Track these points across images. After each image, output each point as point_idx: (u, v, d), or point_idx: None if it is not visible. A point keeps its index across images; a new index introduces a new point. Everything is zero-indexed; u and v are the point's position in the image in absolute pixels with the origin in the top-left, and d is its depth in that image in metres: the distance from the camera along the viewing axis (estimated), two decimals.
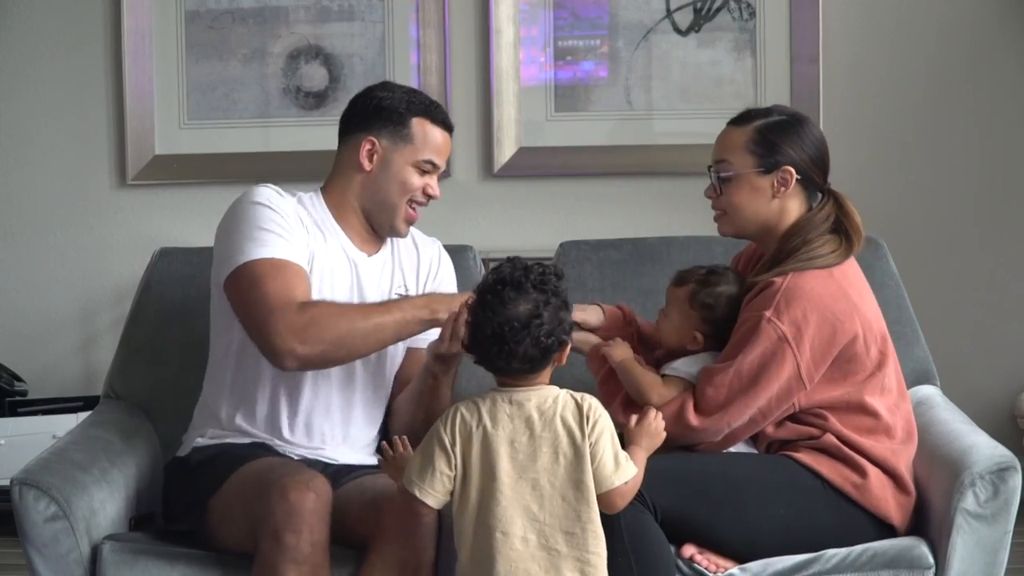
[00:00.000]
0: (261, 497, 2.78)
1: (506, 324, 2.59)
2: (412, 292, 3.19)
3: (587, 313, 3.14)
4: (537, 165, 4.82)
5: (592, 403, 2.65)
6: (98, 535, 2.97)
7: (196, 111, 4.83)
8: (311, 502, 2.75)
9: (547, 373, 2.67)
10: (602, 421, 2.64)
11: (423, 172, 3.10)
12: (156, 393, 3.41)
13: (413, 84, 4.72)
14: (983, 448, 2.98)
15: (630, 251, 3.47)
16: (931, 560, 2.92)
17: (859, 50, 4.78)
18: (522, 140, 4.81)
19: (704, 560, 2.90)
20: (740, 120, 3.06)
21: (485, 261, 3.73)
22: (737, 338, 2.94)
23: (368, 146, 3.09)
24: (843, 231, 3.02)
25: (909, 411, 3.07)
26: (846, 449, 2.95)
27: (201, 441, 3.10)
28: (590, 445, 2.62)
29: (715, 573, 2.89)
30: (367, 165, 3.09)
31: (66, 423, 4.41)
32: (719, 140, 3.07)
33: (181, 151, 4.83)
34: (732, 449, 2.99)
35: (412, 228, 3.23)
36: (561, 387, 2.68)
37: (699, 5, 4.77)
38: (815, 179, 3.04)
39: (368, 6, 4.80)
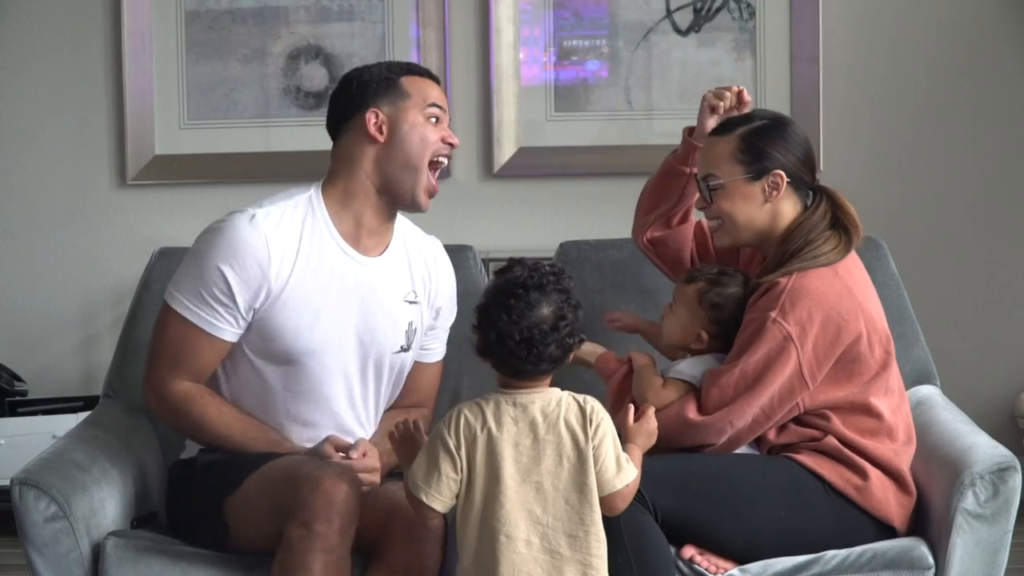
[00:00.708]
0: (291, 488, 2.78)
1: (535, 328, 2.59)
2: (420, 301, 3.16)
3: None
4: (537, 165, 4.82)
5: (594, 405, 2.65)
6: (98, 535, 2.97)
7: (196, 111, 4.83)
8: (343, 493, 2.75)
9: (551, 375, 2.67)
10: (604, 423, 2.64)
11: (435, 121, 3.07)
12: None
13: None
14: (983, 448, 2.98)
15: (630, 251, 3.47)
16: (931, 560, 2.92)
17: (859, 50, 4.78)
18: (522, 140, 4.81)
19: (704, 561, 2.89)
20: (722, 130, 3.06)
21: (485, 261, 3.72)
22: (743, 339, 2.94)
23: (373, 118, 3.03)
24: (841, 226, 3.02)
25: (909, 413, 3.07)
26: (847, 451, 2.95)
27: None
28: (593, 448, 2.62)
29: (715, 574, 2.89)
30: (379, 136, 3.03)
31: (66, 423, 4.40)
32: (704, 153, 3.07)
33: (181, 151, 4.83)
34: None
35: (414, 227, 3.21)
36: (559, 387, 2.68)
37: (699, 5, 4.77)
38: (804, 179, 3.04)
39: (368, 6, 4.80)
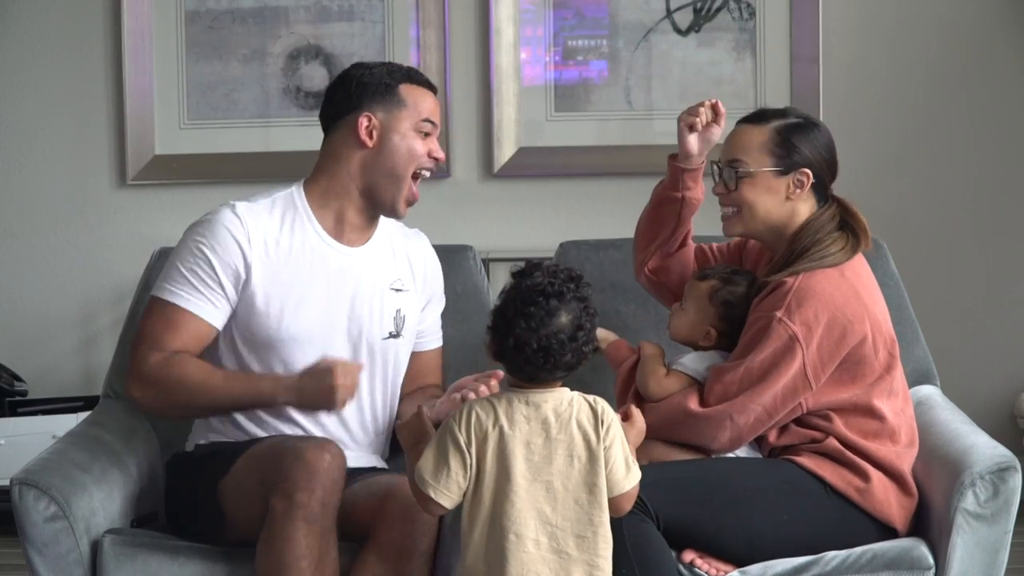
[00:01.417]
0: (275, 462, 2.79)
1: (553, 337, 2.58)
2: (409, 289, 3.18)
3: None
4: (537, 165, 4.82)
5: (605, 407, 2.65)
6: (98, 535, 2.97)
7: (196, 111, 4.83)
8: (326, 462, 2.76)
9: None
10: (615, 425, 2.64)
11: (424, 135, 3.09)
12: None
13: None
14: (983, 448, 2.98)
15: (630, 251, 3.46)
16: (931, 561, 2.92)
17: (859, 50, 4.78)
18: (522, 140, 4.81)
19: (705, 564, 2.89)
20: (756, 119, 3.05)
21: (485, 261, 3.73)
22: (748, 338, 2.94)
23: (366, 122, 3.05)
24: (849, 228, 3.02)
25: (912, 416, 3.07)
26: (849, 453, 2.95)
27: (203, 440, 3.10)
28: (604, 449, 2.61)
29: None
30: (369, 141, 3.06)
31: (66, 423, 4.41)
32: (733, 138, 3.05)
33: (181, 151, 4.83)
34: (734, 454, 2.99)
35: (396, 223, 3.22)
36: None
37: (699, 5, 4.77)
38: (825, 183, 3.04)
39: (368, 6, 4.80)
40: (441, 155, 3.12)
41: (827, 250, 2.98)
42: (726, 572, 2.90)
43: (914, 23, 4.77)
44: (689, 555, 2.90)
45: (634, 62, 4.79)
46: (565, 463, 2.61)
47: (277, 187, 3.15)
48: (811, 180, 3.01)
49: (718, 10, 4.77)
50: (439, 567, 2.86)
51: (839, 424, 2.96)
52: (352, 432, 3.11)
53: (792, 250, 2.99)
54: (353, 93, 3.07)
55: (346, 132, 3.08)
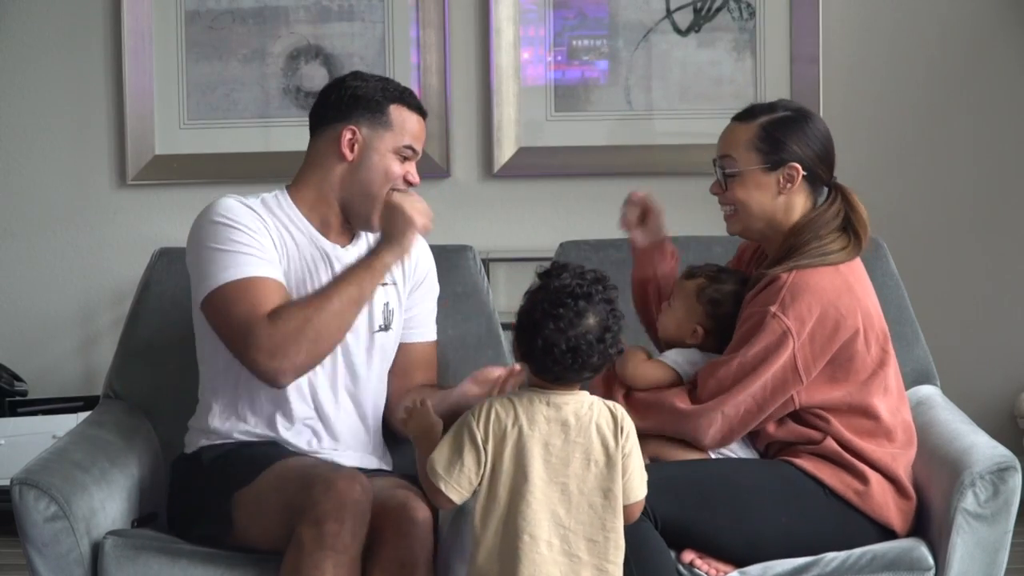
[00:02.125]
0: (304, 489, 2.78)
1: (582, 339, 2.59)
2: (399, 282, 3.19)
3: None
4: (537, 165, 4.82)
5: (624, 413, 2.66)
6: (98, 535, 2.97)
7: (196, 111, 4.83)
8: (357, 494, 2.75)
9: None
10: (634, 432, 2.65)
11: (403, 159, 3.10)
12: (156, 393, 3.41)
13: (413, 84, 4.72)
14: (983, 448, 2.98)
15: (630, 251, 3.46)
16: (931, 561, 2.92)
17: (859, 50, 4.78)
18: (522, 140, 4.81)
19: (704, 565, 2.89)
20: (745, 116, 3.06)
21: (485, 261, 3.73)
22: (742, 333, 2.94)
23: (349, 135, 3.06)
24: (851, 228, 3.02)
25: (908, 415, 3.07)
26: (847, 455, 2.95)
27: (206, 441, 3.10)
28: (623, 456, 2.61)
29: None
30: (349, 155, 3.07)
31: (66, 423, 4.41)
32: (724, 135, 3.07)
33: (181, 151, 4.83)
34: (731, 453, 2.99)
35: None
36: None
37: (699, 5, 4.77)
38: (821, 175, 3.04)
39: (368, 6, 4.80)
40: (416, 180, 3.11)
41: (827, 247, 2.98)
42: (726, 573, 2.90)
43: (914, 23, 4.77)
44: (689, 555, 2.90)
45: (634, 62, 4.79)
46: (582, 466, 2.61)
47: (267, 189, 3.16)
48: (801, 174, 3.01)
49: (718, 10, 4.77)
50: (439, 571, 2.87)
51: (836, 424, 2.96)
52: (343, 433, 3.11)
53: (789, 244, 2.99)
54: (344, 102, 3.08)
55: (328, 142, 3.10)
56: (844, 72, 4.76)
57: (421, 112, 3.13)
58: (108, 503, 3.03)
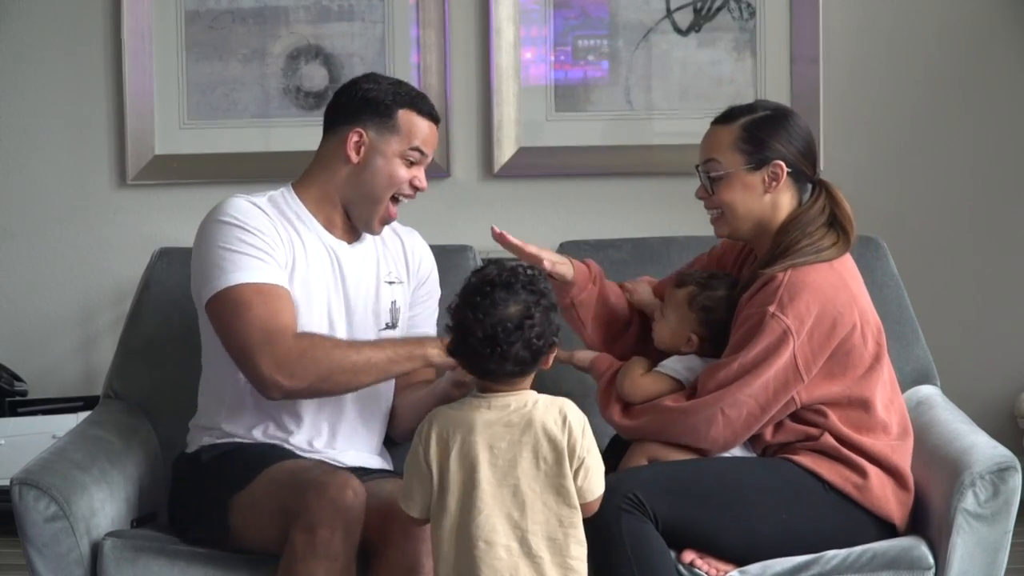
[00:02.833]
0: (297, 493, 2.78)
1: (499, 325, 2.56)
2: (403, 281, 3.19)
3: (561, 266, 3.09)
4: (537, 165, 4.82)
5: (574, 409, 2.63)
6: (98, 535, 2.97)
7: (196, 111, 4.83)
8: (349, 499, 2.75)
9: (530, 378, 2.65)
10: (588, 428, 2.62)
11: (410, 164, 3.10)
12: (156, 393, 3.41)
13: (413, 84, 4.71)
14: (983, 448, 2.98)
15: (630, 251, 3.47)
16: (931, 560, 2.92)
17: (859, 50, 4.78)
18: (522, 140, 4.81)
19: (704, 564, 2.90)
20: (724, 118, 3.06)
21: (485, 261, 3.72)
22: (740, 335, 2.94)
23: (356, 138, 3.07)
24: (838, 224, 3.02)
25: (903, 405, 3.07)
26: (845, 450, 2.95)
27: (208, 440, 3.10)
28: (582, 457, 2.59)
29: None
30: (354, 157, 3.08)
31: (66, 423, 4.41)
32: (705, 140, 3.07)
33: (181, 151, 4.83)
34: (730, 453, 2.99)
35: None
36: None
37: (699, 5, 4.77)
38: (805, 171, 3.05)
39: (368, 6, 4.80)
40: (424, 185, 3.12)
41: (819, 244, 2.98)
42: (726, 572, 2.90)
43: (914, 23, 4.77)
44: (689, 555, 2.90)
45: (634, 62, 4.79)
46: (531, 466, 2.59)
47: (267, 189, 3.16)
48: (785, 171, 3.01)
49: (718, 10, 4.77)
50: None
51: (833, 418, 2.96)
52: (348, 433, 3.11)
53: (779, 243, 2.99)
54: (354, 105, 3.09)
55: (336, 143, 3.10)
56: (844, 72, 4.76)
57: (433, 118, 3.12)
58: (108, 503, 3.03)
